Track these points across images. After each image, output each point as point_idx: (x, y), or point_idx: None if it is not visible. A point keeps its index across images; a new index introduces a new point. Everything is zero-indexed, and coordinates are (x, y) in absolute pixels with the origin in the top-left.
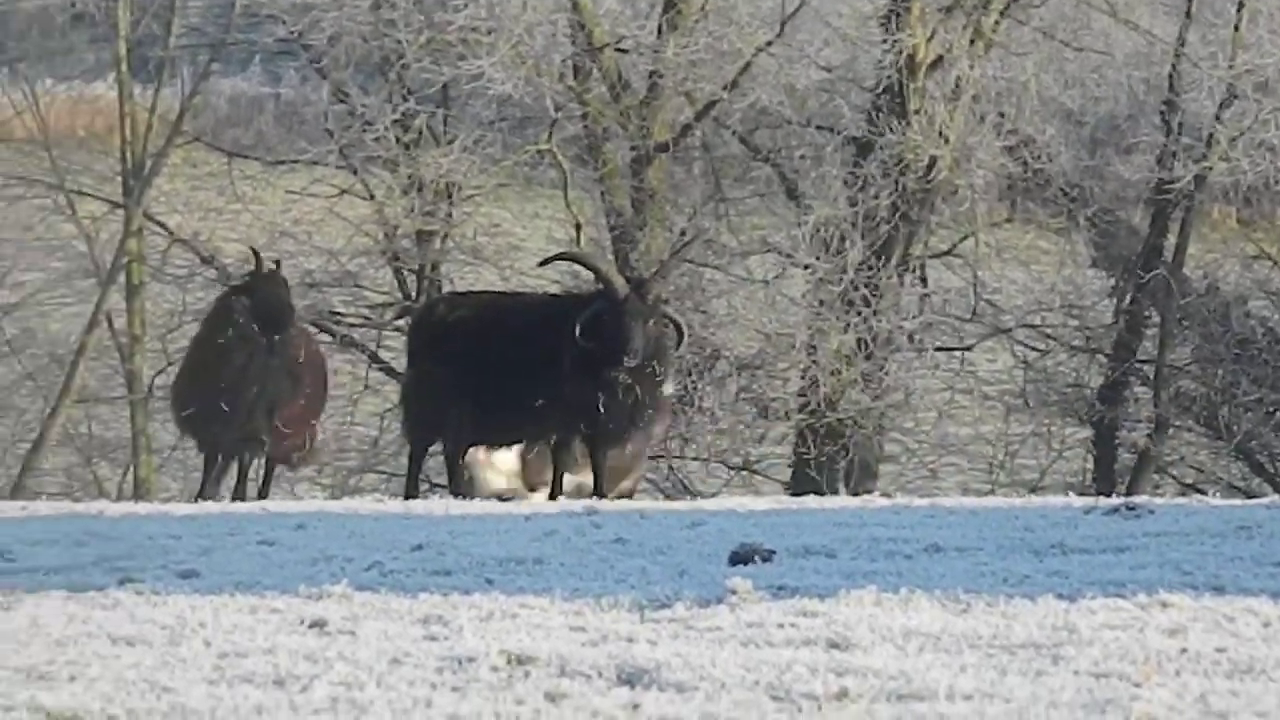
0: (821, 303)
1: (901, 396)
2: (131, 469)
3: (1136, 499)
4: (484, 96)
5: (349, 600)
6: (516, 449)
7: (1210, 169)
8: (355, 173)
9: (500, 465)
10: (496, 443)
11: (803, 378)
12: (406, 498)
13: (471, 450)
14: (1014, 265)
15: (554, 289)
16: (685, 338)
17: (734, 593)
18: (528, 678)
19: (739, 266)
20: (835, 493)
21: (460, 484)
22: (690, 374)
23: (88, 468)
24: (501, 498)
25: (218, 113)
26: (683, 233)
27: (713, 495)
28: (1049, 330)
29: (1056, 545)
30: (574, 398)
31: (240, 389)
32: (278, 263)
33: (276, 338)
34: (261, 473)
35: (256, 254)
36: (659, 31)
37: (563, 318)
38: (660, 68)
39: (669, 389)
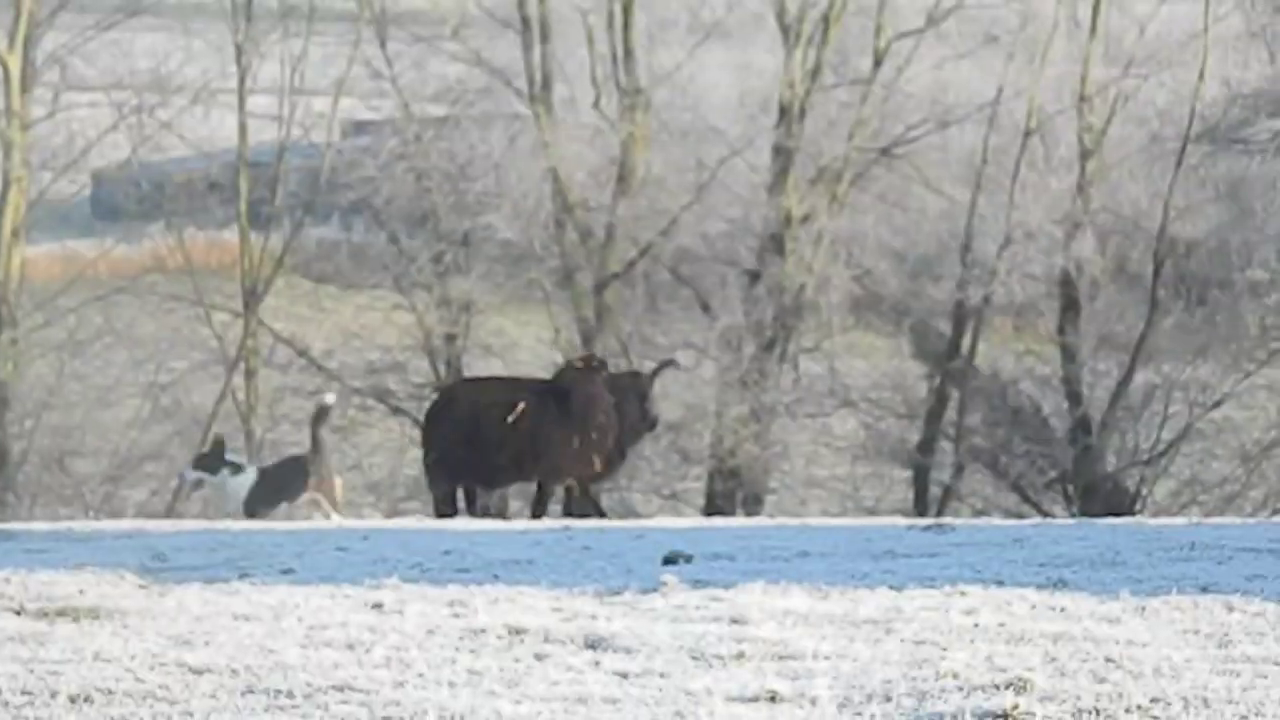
0: (725, 384)
1: (780, 449)
2: None
3: (943, 520)
4: (492, 240)
5: (398, 590)
6: None
7: (994, 292)
8: (403, 293)
9: None
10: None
11: (712, 435)
12: (439, 517)
13: None
14: (858, 358)
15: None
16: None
17: (665, 584)
18: (522, 643)
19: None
20: (734, 514)
21: (455, 509)
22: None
23: None
24: None
25: (308, 251)
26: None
27: (650, 516)
28: (882, 403)
29: (888, 552)
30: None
31: None
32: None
33: None
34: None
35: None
36: (613, 195)
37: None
38: (614, 220)
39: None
